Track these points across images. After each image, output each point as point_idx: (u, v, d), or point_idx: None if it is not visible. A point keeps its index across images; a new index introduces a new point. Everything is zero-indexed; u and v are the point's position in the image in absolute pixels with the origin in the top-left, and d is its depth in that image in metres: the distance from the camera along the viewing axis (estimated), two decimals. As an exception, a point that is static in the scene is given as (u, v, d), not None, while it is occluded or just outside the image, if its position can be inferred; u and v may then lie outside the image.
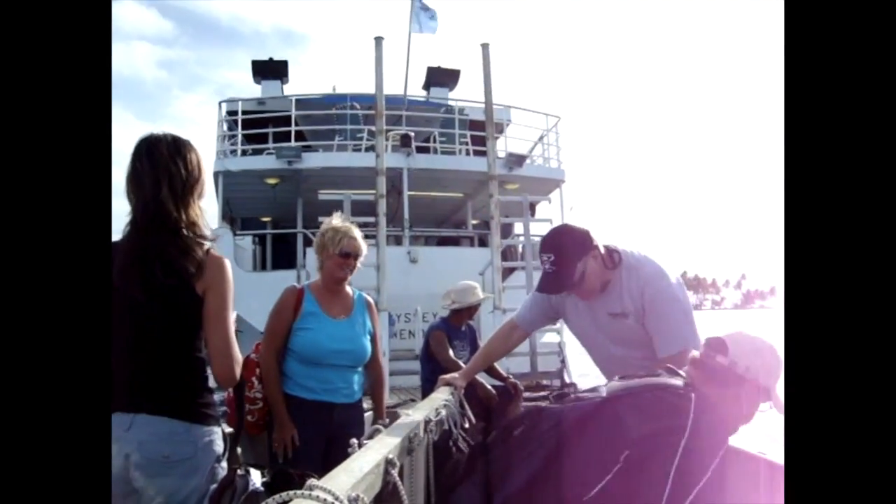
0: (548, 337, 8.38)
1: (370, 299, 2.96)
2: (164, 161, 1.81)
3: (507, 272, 8.72)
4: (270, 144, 11.15)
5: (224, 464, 1.84)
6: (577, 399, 1.74)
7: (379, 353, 2.93)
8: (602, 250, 2.32)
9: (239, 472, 1.79)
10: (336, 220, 2.84)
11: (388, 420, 2.75)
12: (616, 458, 1.49)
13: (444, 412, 1.90)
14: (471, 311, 4.72)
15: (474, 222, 12.56)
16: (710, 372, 1.65)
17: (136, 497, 1.76)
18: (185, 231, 1.79)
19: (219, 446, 1.83)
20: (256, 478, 1.80)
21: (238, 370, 1.86)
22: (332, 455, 2.47)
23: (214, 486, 1.77)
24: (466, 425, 2.18)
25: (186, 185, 1.83)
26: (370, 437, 1.61)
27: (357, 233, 2.81)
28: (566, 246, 2.31)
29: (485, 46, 8.12)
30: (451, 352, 4.41)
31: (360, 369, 2.81)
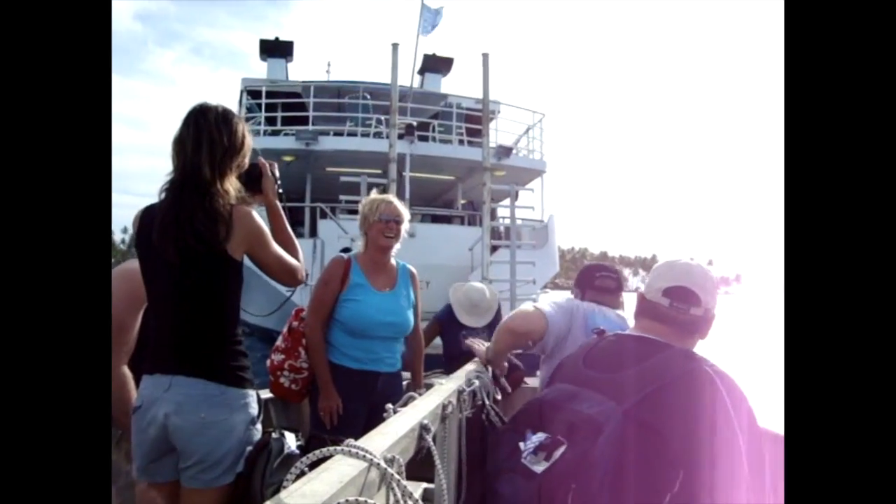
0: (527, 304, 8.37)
1: (413, 270, 2.71)
2: (209, 127, 1.65)
3: (493, 249, 8.73)
4: (280, 126, 10.98)
5: (259, 426, 1.69)
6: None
7: (419, 324, 2.70)
8: None
9: (274, 434, 1.64)
10: (373, 194, 2.65)
11: (424, 389, 2.59)
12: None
13: (477, 383, 1.74)
14: None
15: (463, 202, 12.47)
16: (688, 327, 1.41)
17: (175, 456, 1.62)
18: (215, 196, 1.61)
19: (253, 409, 1.67)
20: (291, 441, 1.65)
21: (298, 273, 1.78)
22: (373, 422, 2.31)
23: (250, 447, 1.62)
24: (499, 397, 2.02)
25: (227, 153, 1.66)
26: (404, 404, 1.46)
27: (395, 199, 2.59)
28: None
29: (485, 56, 8.01)
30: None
31: (402, 339, 2.61)
